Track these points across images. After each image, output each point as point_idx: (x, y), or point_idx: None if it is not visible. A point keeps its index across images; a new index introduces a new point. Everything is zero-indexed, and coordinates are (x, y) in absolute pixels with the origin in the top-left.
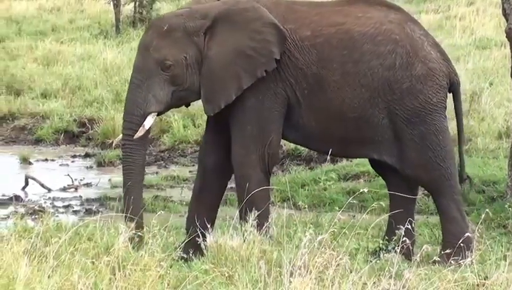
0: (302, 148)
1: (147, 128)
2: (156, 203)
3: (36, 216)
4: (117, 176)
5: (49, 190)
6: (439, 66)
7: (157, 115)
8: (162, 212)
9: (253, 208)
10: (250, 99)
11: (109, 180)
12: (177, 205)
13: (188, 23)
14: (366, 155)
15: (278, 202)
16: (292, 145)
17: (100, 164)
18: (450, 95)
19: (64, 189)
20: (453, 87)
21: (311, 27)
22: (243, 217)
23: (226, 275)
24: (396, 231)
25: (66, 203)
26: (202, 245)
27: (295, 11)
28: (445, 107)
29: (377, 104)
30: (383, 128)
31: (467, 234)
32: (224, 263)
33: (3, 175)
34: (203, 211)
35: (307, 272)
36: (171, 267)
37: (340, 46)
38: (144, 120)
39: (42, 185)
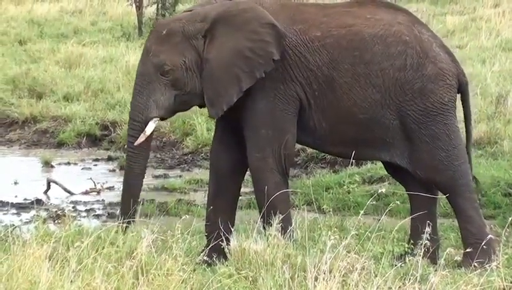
0: None
1: (148, 134)
2: (179, 207)
3: (58, 220)
4: None
5: (71, 194)
6: (448, 67)
7: (162, 120)
8: (187, 216)
9: (275, 212)
10: (262, 101)
11: None
12: (200, 208)
13: (186, 26)
14: (378, 157)
15: (302, 205)
16: None
17: (123, 168)
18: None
19: (86, 193)
20: (462, 87)
21: (321, 28)
22: (265, 221)
23: (250, 279)
24: (422, 235)
25: (88, 207)
26: (226, 249)
27: (303, 12)
28: (455, 107)
29: (388, 106)
30: (394, 129)
31: (489, 236)
32: (248, 267)
33: (25, 179)
34: (221, 215)
35: (332, 276)
36: (194, 272)
37: (351, 47)
38: (146, 126)
39: (64, 189)
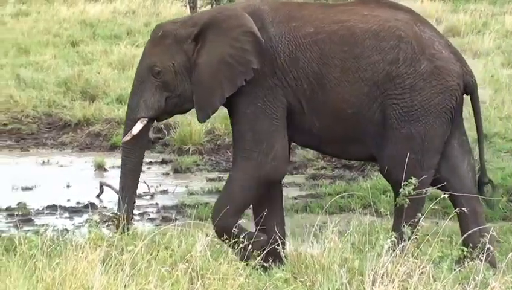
0: None
1: (134, 134)
2: None
3: (111, 224)
4: (194, 183)
5: None
6: (448, 66)
7: (157, 121)
8: (243, 220)
9: (226, 209)
10: (250, 107)
11: (186, 187)
12: None
13: (179, 30)
14: (368, 153)
15: (359, 208)
16: None
17: (177, 171)
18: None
19: (140, 196)
20: (469, 89)
21: (314, 24)
22: (216, 211)
23: (307, 284)
24: (481, 238)
25: (141, 211)
26: (282, 253)
27: (302, 9)
28: (448, 112)
29: (376, 99)
30: (377, 123)
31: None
32: (305, 272)
33: (78, 182)
34: (269, 218)
35: (390, 280)
36: (250, 276)
37: (342, 42)
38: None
39: (117, 193)
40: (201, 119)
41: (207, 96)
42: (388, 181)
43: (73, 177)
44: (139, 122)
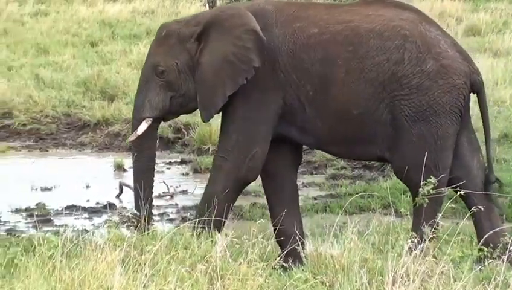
0: None
1: (139, 134)
2: (253, 211)
3: (131, 224)
4: None
5: None
6: (455, 65)
7: (163, 121)
8: (262, 220)
9: (209, 210)
10: (241, 108)
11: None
12: None
13: (182, 29)
14: (374, 154)
15: (379, 208)
16: None
17: (196, 171)
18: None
19: (159, 196)
20: (476, 87)
21: (319, 25)
22: (196, 214)
23: (327, 284)
24: (501, 238)
25: (161, 211)
26: (302, 254)
27: (307, 9)
28: (457, 111)
29: (382, 99)
30: (385, 124)
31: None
32: (325, 272)
33: (97, 182)
34: (287, 218)
35: (410, 280)
36: (270, 276)
37: (346, 42)
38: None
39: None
40: (205, 118)
41: (210, 95)
42: (404, 183)
43: (92, 177)
44: (144, 122)
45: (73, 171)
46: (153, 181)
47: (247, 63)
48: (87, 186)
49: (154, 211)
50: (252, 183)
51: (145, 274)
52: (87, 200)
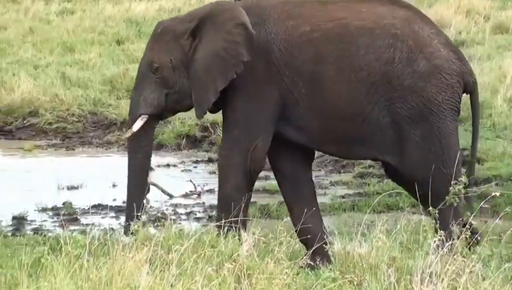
0: None
1: (135, 131)
2: (280, 209)
3: (158, 223)
4: None
5: (171, 197)
6: (447, 64)
7: (160, 118)
8: (289, 218)
9: (227, 212)
10: (238, 101)
11: None
12: None
13: (177, 26)
14: (371, 156)
15: (408, 207)
16: None
17: None
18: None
19: (186, 195)
20: (469, 87)
21: (311, 22)
22: (217, 218)
23: (355, 283)
24: None
25: (188, 210)
26: (329, 252)
27: (301, 7)
28: (455, 109)
29: (376, 102)
30: (384, 127)
31: None
32: (353, 271)
33: (124, 181)
34: (309, 219)
35: (439, 279)
36: (297, 275)
37: (336, 40)
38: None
39: (164, 192)
40: (199, 115)
41: (203, 91)
42: (411, 185)
43: (119, 176)
44: (139, 119)
45: (99, 169)
46: (147, 179)
47: (236, 57)
48: (114, 185)
49: (181, 210)
50: None
51: (172, 273)
52: (114, 199)
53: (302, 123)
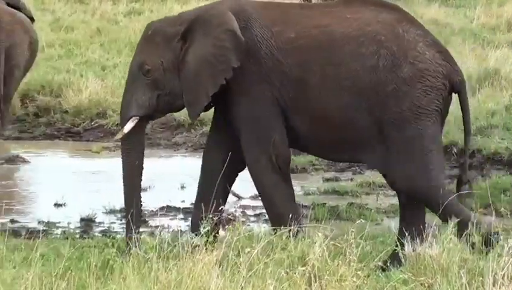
0: (503, 151)
1: (126, 132)
2: (351, 211)
3: (228, 225)
4: (310, 183)
5: (240, 198)
6: (432, 67)
7: (151, 119)
8: (362, 220)
9: (280, 213)
10: (243, 106)
11: (302, 187)
12: (373, 212)
13: (168, 28)
14: (364, 161)
15: (479, 209)
16: (492, 149)
17: (292, 171)
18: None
19: (255, 197)
20: (456, 87)
21: (296, 29)
22: (271, 223)
23: (426, 284)
24: None
25: (257, 212)
26: (400, 254)
27: (288, 13)
28: (439, 111)
29: (362, 108)
30: (371, 133)
31: None
32: (424, 273)
33: (192, 183)
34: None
35: (511, 281)
36: (368, 277)
37: (321, 48)
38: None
39: (233, 193)
40: (192, 116)
41: (194, 94)
42: (405, 191)
43: (187, 177)
44: (130, 120)
45: (168, 171)
46: (141, 179)
47: (225, 63)
48: (182, 187)
49: (250, 212)
50: (350, 183)
51: (243, 276)
52: (182, 201)
53: (292, 127)
